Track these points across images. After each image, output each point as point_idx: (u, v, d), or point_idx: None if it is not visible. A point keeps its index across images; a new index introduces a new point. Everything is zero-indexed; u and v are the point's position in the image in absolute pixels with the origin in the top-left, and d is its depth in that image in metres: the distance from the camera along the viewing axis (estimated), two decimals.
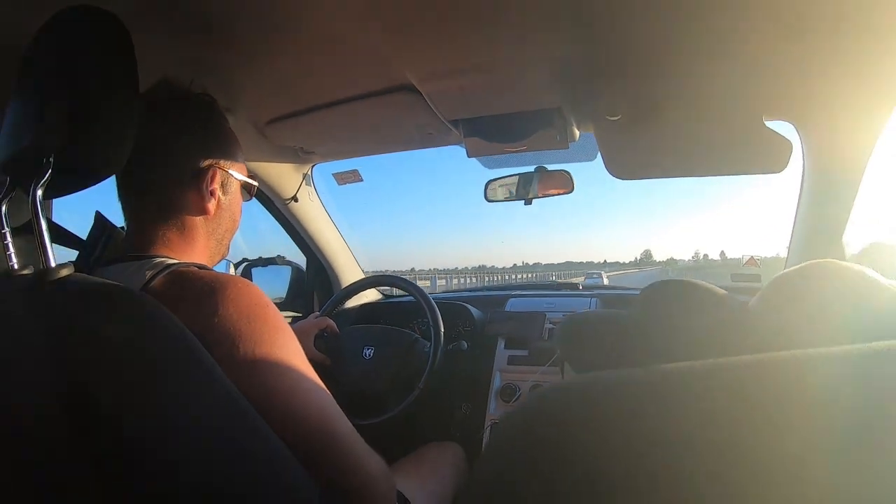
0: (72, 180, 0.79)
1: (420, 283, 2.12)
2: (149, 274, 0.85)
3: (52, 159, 0.73)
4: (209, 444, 0.69)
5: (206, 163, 0.99)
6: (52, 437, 0.67)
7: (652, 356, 0.72)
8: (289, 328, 0.88)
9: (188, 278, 0.85)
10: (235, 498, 0.71)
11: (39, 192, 0.73)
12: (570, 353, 0.88)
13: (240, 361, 0.79)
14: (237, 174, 1.05)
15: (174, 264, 0.88)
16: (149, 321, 0.68)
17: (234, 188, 1.06)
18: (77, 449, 0.64)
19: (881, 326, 0.59)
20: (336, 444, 0.88)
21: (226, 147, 1.03)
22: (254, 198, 1.16)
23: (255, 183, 1.12)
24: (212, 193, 0.99)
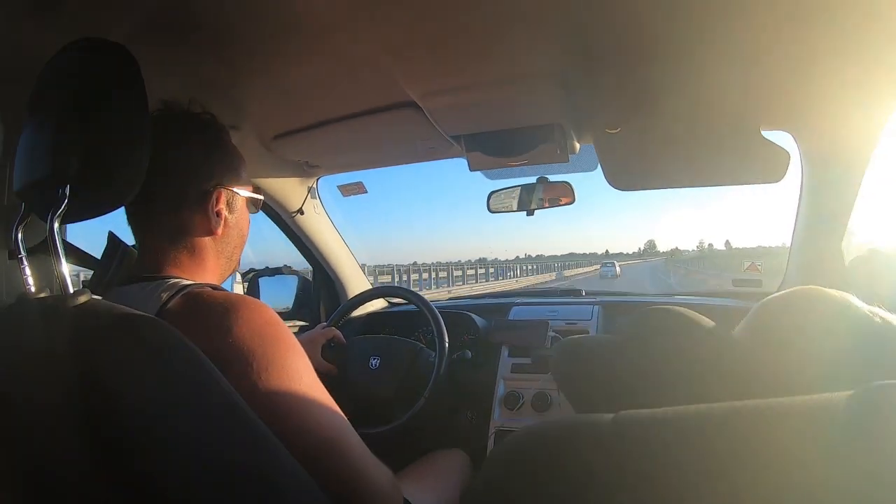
0: (88, 207, 0.80)
1: (423, 276, 2.14)
2: (164, 296, 0.86)
3: (67, 189, 0.75)
4: (230, 473, 0.71)
5: (211, 184, 0.99)
6: (70, 466, 0.69)
7: (642, 386, 0.74)
8: (300, 347, 0.89)
9: (202, 300, 0.87)
10: None
11: (57, 223, 0.74)
12: (563, 378, 0.90)
13: (253, 381, 0.81)
14: (242, 191, 1.05)
15: (188, 285, 0.90)
16: (171, 352, 0.69)
17: (241, 205, 1.06)
18: (96, 479, 0.66)
19: (862, 357, 0.61)
20: (346, 459, 0.89)
21: (229, 165, 1.03)
22: (260, 210, 1.17)
23: (261, 197, 1.13)
24: (218, 214, 0.99)
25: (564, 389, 0.91)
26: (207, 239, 1.00)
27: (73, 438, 0.66)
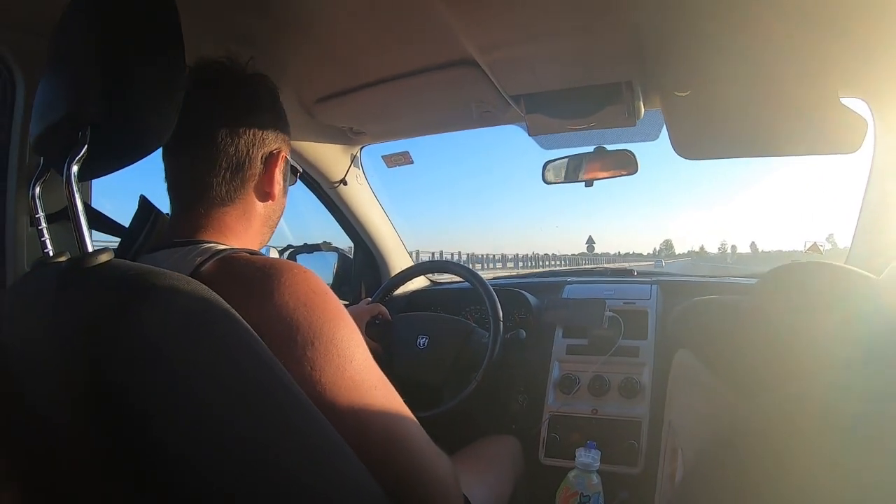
0: (110, 158, 0.73)
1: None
2: (198, 260, 0.78)
3: (88, 132, 0.67)
4: (266, 460, 0.63)
5: (276, 147, 0.94)
6: (81, 439, 0.62)
7: (774, 346, 0.66)
8: (350, 319, 0.80)
9: (240, 263, 0.79)
10: None
11: (75, 169, 0.66)
12: (689, 339, 0.83)
13: (297, 354, 0.72)
14: (290, 159, 1.01)
15: (224, 250, 0.82)
16: (200, 310, 0.60)
17: (286, 170, 1.01)
18: (108, 454, 0.59)
19: None
20: (403, 446, 0.81)
21: (286, 130, 0.99)
22: (298, 181, 1.11)
23: (300, 169, 1.10)
24: (279, 179, 0.95)
25: (687, 342, 0.84)
26: (260, 204, 0.94)
27: (88, 413, 0.58)
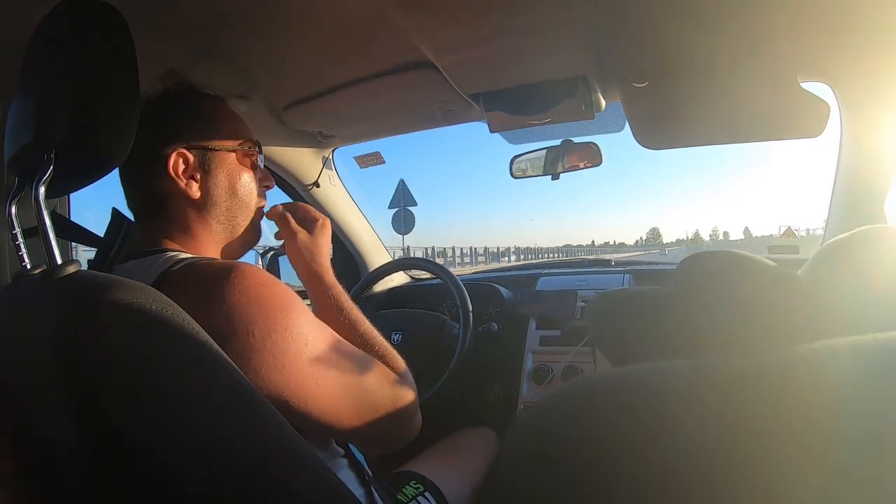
0: (76, 176, 0.77)
1: None
2: (160, 269, 0.82)
3: (53, 155, 0.71)
4: (224, 450, 0.66)
5: (169, 148, 0.91)
6: (60, 450, 0.64)
7: (690, 330, 0.68)
8: (299, 301, 0.83)
9: (193, 270, 0.81)
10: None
11: (42, 190, 0.71)
12: (602, 333, 0.83)
13: (258, 346, 0.76)
14: (218, 146, 0.96)
15: (187, 258, 0.85)
16: (157, 317, 0.63)
17: (222, 163, 0.96)
18: (87, 462, 0.61)
19: None
20: (369, 404, 0.89)
21: (192, 124, 0.95)
22: (276, 186, 1.12)
23: (254, 150, 1.02)
24: (192, 177, 0.93)
25: (603, 347, 0.84)
26: (189, 207, 0.94)
27: (62, 419, 0.61)
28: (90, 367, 0.58)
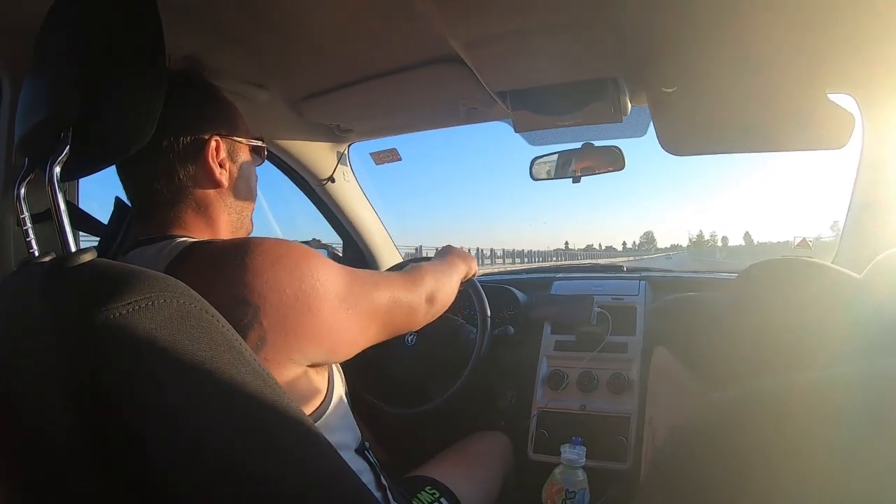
0: (92, 158, 0.73)
1: None
2: (173, 252, 0.82)
3: (69, 133, 0.68)
4: (249, 461, 0.64)
5: (207, 134, 0.94)
6: (68, 442, 0.61)
7: (752, 334, 0.68)
8: (314, 251, 0.86)
9: (210, 247, 0.83)
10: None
11: (57, 170, 0.67)
12: (675, 337, 0.84)
13: (293, 303, 0.78)
14: (242, 139, 1.00)
15: (196, 242, 0.86)
16: (184, 311, 0.60)
17: (243, 155, 1.01)
18: (95, 453, 0.59)
19: None
20: (397, 320, 1.01)
21: (224, 115, 0.99)
22: (288, 179, 1.12)
23: (264, 145, 1.08)
24: (221, 165, 0.95)
25: (676, 350, 0.85)
26: (213, 192, 0.96)
27: (73, 412, 0.58)
28: (108, 361, 0.55)
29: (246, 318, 0.74)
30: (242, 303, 0.74)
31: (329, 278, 0.83)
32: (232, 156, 0.98)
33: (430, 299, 1.11)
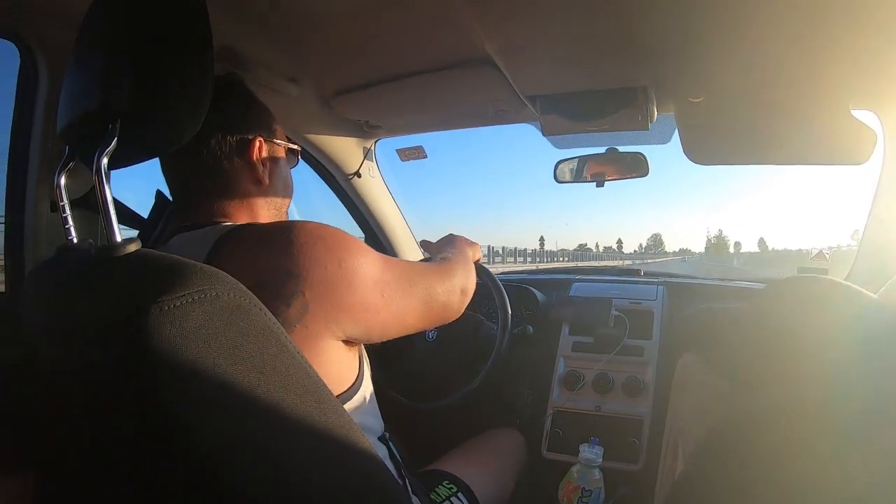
0: (138, 149, 0.73)
1: None
2: (216, 236, 0.85)
3: (118, 125, 0.67)
4: (291, 457, 0.66)
5: (251, 135, 0.99)
6: (114, 429, 0.64)
7: (776, 349, 0.70)
8: (354, 237, 0.89)
9: (255, 227, 0.87)
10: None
11: (105, 161, 0.66)
12: (696, 343, 0.87)
13: (332, 279, 0.81)
14: (279, 142, 1.05)
15: (240, 224, 0.90)
16: (234, 305, 0.61)
17: (281, 157, 1.06)
18: (141, 444, 0.61)
19: None
20: (431, 307, 1.02)
21: (264, 119, 1.04)
22: (315, 172, 1.15)
23: (299, 148, 1.13)
24: (263, 164, 1.00)
25: (707, 356, 0.89)
26: (255, 189, 1.01)
27: (115, 405, 0.60)
28: (156, 353, 0.55)
29: (291, 288, 0.78)
30: (288, 274, 0.77)
31: (367, 262, 0.86)
32: (272, 156, 1.03)
33: (463, 292, 1.13)
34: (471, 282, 1.17)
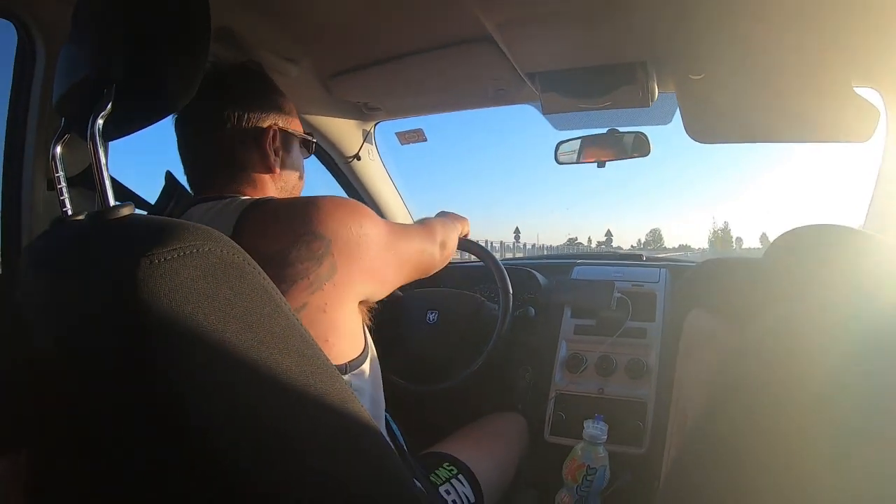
0: (132, 118, 0.71)
1: None
2: (240, 207, 0.88)
3: (112, 89, 0.66)
4: (289, 419, 0.64)
5: (266, 123, 1.03)
6: (111, 390, 0.62)
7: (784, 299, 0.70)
8: (366, 206, 0.95)
9: (280, 201, 0.91)
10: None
11: (100, 123, 0.65)
12: (705, 296, 0.87)
13: (353, 239, 0.87)
14: (295, 132, 1.09)
15: (262, 198, 0.93)
16: (227, 263, 0.60)
17: (295, 147, 1.10)
18: (137, 404, 0.59)
19: None
20: (424, 258, 1.12)
21: (282, 108, 1.07)
22: (313, 155, 1.17)
23: (314, 139, 1.16)
24: (275, 152, 1.03)
25: (701, 298, 0.89)
26: (267, 177, 1.04)
27: (123, 362, 0.57)
28: (145, 306, 0.53)
29: (321, 249, 0.83)
30: (317, 237, 0.83)
31: (378, 226, 0.93)
32: (285, 146, 1.06)
33: (443, 245, 1.21)
34: (451, 240, 1.26)
